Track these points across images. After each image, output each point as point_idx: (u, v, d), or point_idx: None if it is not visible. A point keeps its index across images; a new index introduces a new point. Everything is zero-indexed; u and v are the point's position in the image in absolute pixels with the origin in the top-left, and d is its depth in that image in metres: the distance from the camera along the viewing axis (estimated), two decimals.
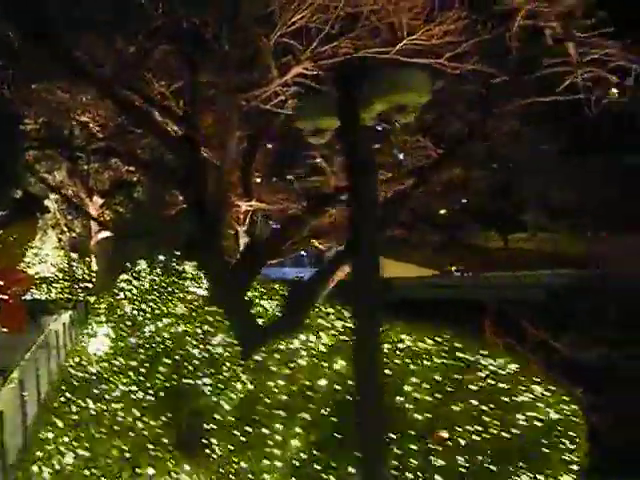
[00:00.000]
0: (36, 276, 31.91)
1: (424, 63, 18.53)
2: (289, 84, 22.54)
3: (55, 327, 18.98)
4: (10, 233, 25.38)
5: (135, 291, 23.54)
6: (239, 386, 12.98)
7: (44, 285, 31.49)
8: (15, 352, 19.38)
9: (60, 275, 32.84)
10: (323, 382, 12.19)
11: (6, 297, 24.58)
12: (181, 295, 23.56)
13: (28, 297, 27.56)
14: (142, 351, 16.10)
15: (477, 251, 50.26)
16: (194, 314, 18.41)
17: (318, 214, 23.89)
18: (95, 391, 15.09)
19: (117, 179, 31.33)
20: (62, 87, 26.48)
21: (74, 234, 33.96)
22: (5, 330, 24.14)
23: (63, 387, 15.40)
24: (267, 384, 12.58)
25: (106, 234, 29.50)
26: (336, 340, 13.29)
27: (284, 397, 12.24)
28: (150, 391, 14.89)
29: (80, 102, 27.06)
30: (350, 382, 12.05)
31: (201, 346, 16.17)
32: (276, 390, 12.36)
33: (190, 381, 15.05)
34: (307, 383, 12.29)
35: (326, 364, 12.57)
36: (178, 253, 33.57)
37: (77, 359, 17.68)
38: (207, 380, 15.17)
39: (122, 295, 23.76)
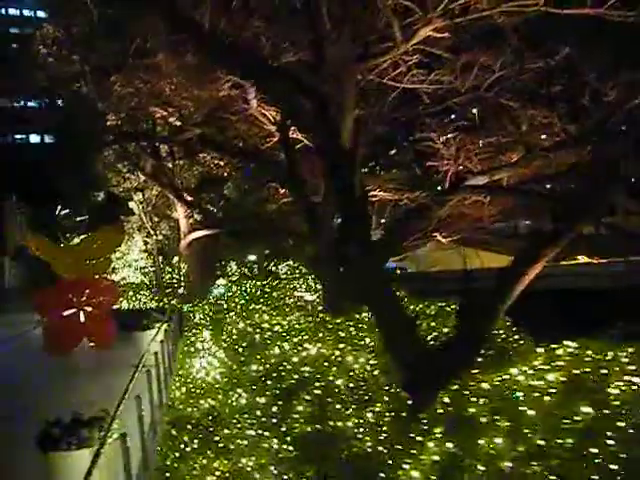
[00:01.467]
0: (123, 282, 28.37)
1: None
2: (408, 52, 18.47)
3: (153, 347, 15.00)
4: (96, 238, 21.71)
5: (238, 299, 19.46)
6: (431, 444, 8.58)
7: (132, 292, 27.79)
8: (107, 377, 15.60)
9: (148, 281, 29.14)
10: (566, 440, 7.76)
11: (91, 308, 20.90)
12: (291, 303, 19.46)
13: (115, 306, 23.84)
14: (270, 383, 11.86)
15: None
16: (323, 329, 14.13)
17: (444, 203, 19.70)
18: (215, 439, 10.98)
19: (206, 175, 27.43)
20: (141, 77, 22.97)
21: (160, 236, 30.22)
22: (92, 345, 20.48)
23: (174, 432, 11.31)
24: (475, 442, 8.19)
25: (197, 234, 25.58)
26: (567, 376, 8.79)
27: (505, 463, 7.83)
28: (287, 438, 10.70)
29: (162, 92, 23.36)
30: (611, 442, 7.62)
31: (344, 374, 11.91)
32: (493, 452, 7.96)
33: (339, 424, 10.81)
34: (541, 442, 7.85)
35: (561, 413, 8.12)
36: (267, 252, 29.70)
37: (183, 389, 13.61)
38: (357, 420, 10.96)
39: (223, 304, 19.74)
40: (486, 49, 18.48)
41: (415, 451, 8.64)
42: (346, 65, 16.77)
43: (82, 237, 24.88)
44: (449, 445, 8.39)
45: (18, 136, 65.14)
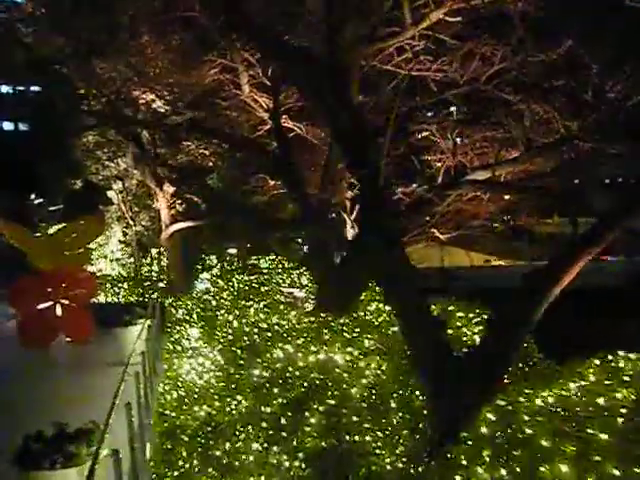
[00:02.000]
0: (100, 274, 26.59)
1: None
2: (414, 38, 17.25)
3: (139, 346, 13.49)
4: (74, 228, 20.00)
5: (226, 295, 17.94)
6: (479, 470, 7.22)
7: (109, 285, 26.01)
8: (87, 376, 14.10)
9: (127, 274, 27.38)
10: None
11: (67, 301, 19.22)
12: (280, 299, 18.01)
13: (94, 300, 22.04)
14: (276, 391, 10.43)
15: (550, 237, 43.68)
16: (327, 331, 12.71)
17: (444, 198, 18.51)
18: (217, 453, 9.53)
19: (189, 165, 25.76)
20: (125, 60, 21.27)
21: (140, 227, 28.45)
22: (69, 340, 18.87)
23: (168, 446, 9.83)
24: (536, 469, 6.87)
25: (180, 226, 23.96)
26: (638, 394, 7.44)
27: None
28: (299, 454, 9.29)
29: (147, 75, 21.68)
30: None
31: (358, 382, 10.53)
32: None
33: (357, 438, 9.44)
34: (616, 473, 6.58)
35: (637, 437, 6.84)
36: (249, 245, 28.23)
37: (174, 394, 12.09)
38: (374, 434, 9.60)
39: (209, 299, 18.22)
40: (491, 38, 17.48)
41: (460, 477, 7.29)
42: (354, 49, 15.56)
43: (59, 227, 23.06)
44: (503, 472, 7.07)
45: None
